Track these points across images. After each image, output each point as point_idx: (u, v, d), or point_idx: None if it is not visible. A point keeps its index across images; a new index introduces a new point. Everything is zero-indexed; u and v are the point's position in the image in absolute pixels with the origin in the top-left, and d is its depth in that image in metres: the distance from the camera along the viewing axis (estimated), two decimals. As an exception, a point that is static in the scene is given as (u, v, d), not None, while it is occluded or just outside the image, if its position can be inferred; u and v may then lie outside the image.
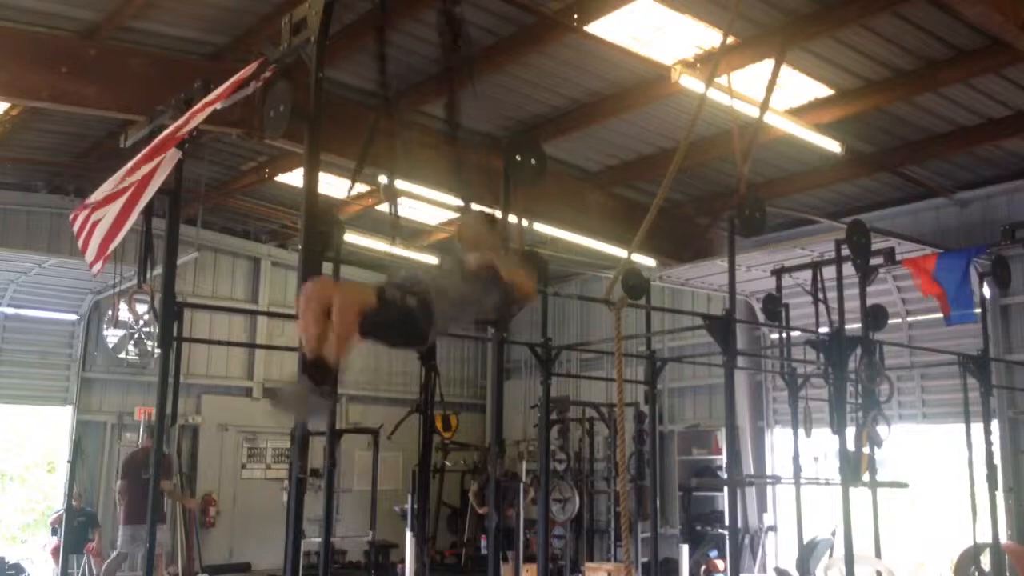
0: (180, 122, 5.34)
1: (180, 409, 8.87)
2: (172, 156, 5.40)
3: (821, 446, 10.27)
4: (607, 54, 7.96)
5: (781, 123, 8.69)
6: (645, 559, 11.12)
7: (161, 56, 8.08)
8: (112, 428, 12.98)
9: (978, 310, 9.26)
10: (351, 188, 5.47)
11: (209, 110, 5.22)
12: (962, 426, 8.99)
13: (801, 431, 9.44)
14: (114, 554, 9.76)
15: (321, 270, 4.96)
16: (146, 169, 5.35)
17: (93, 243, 5.54)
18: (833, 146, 9.27)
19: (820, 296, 9.29)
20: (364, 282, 3.75)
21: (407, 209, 11.93)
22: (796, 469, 9.45)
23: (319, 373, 3.46)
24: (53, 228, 12.45)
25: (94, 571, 11.68)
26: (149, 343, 12.04)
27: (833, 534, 10.22)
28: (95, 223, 5.55)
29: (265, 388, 14.12)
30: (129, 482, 9.48)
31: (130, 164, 5.55)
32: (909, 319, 11.11)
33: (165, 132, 5.44)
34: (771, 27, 7.47)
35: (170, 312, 6.01)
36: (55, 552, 11.64)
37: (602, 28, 7.50)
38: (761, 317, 10.85)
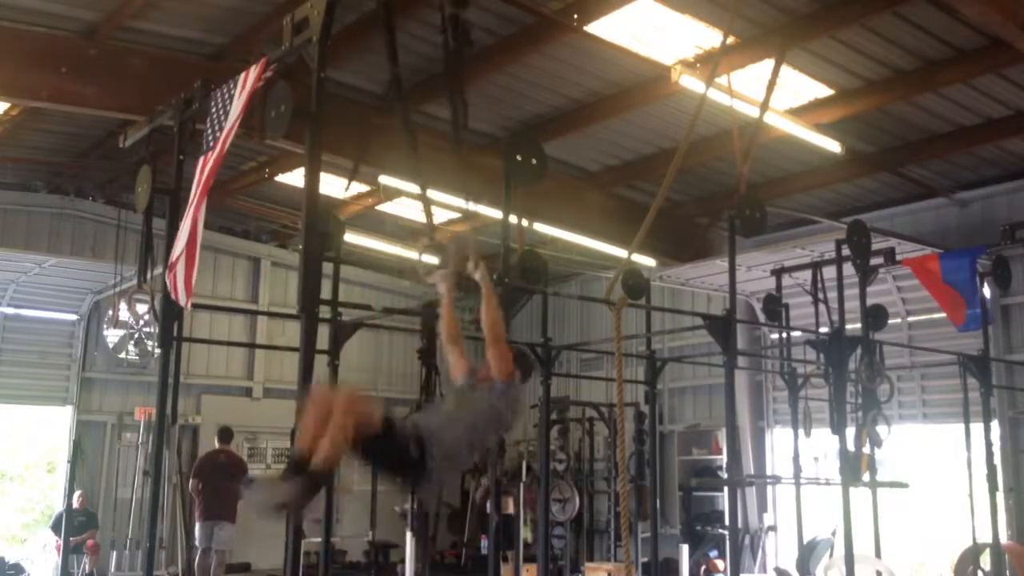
0: (215, 156, 5.25)
1: (180, 409, 8.90)
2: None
3: (821, 446, 10.26)
4: (607, 54, 7.96)
5: (781, 123, 8.69)
6: (645, 559, 11.11)
7: (161, 56, 8.08)
8: (112, 428, 12.98)
9: (978, 310, 9.25)
10: (348, 186, 5.42)
11: (236, 126, 5.20)
12: (962, 426, 8.99)
13: (801, 431, 9.43)
14: (199, 552, 10.24)
15: (321, 270, 4.93)
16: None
17: (180, 282, 5.49)
18: (833, 146, 9.27)
19: (820, 296, 9.29)
20: (376, 401, 3.65)
21: (406, 209, 11.95)
22: (796, 469, 9.44)
23: (302, 472, 3.29)
24: (53, 228, 12.46)
25: (90, 569, 11.74)
26: (149, 343, 12.07)
27: (833, 534, 10.23)
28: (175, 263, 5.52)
29: (265, 388, 14.14)
30: (204, 481, 10.16)
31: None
32: (909, 319, 11.11)
33: (206, 168, 5.31)
34: (771, 27, 7.47)
35: (170, 312, 6.00)
36: (59, 548, 11.69)
37: (602, 28, 7.49)
38: (761, 317, 10.85)
